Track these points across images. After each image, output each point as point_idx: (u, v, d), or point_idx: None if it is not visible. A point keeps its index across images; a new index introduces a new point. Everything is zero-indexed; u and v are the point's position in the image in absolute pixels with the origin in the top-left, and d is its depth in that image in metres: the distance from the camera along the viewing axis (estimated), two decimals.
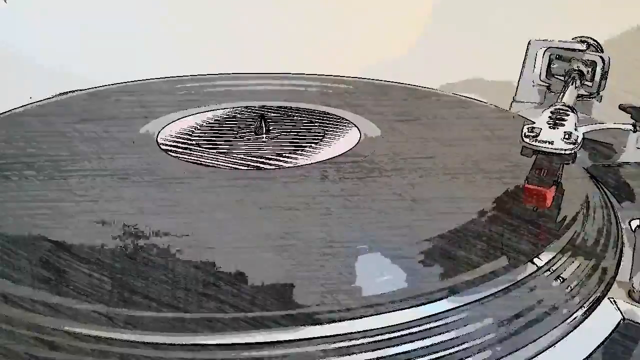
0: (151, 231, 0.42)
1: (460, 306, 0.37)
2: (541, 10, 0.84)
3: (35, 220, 0.43)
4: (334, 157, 0.52)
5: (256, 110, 0.62)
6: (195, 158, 0.52)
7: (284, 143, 0.55)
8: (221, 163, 0.51)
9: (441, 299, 0.37)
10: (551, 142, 0.45)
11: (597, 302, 0.40)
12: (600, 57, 0.65)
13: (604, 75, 0.65)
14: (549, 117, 0.48)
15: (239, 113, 0.62)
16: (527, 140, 0.46)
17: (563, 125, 0.47)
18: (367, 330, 0.35)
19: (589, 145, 0.60)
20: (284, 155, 0.53)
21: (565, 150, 0.45)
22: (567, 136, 0.45)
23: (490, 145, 0.56)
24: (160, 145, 0.54)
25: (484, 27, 0.87)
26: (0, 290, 0.37)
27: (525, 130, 0.46)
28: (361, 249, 0.41)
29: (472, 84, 0.86)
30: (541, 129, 0.46)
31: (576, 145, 0.45)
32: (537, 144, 0.45)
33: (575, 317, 0.39)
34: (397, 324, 0.35)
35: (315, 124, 0.59)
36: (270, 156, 0.52)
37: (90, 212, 0.43)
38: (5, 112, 0.62)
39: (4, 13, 0.83)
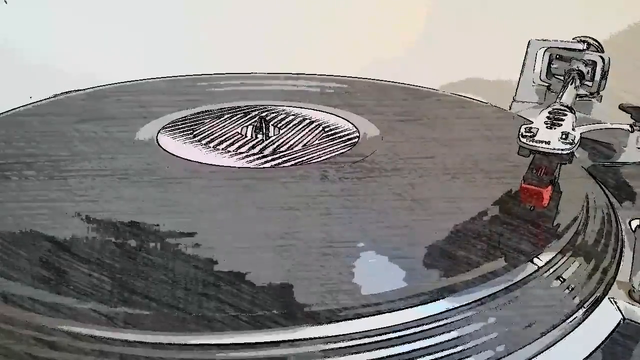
0: (151, 231, 0.42)
1: (460, 306, 0.37)
2: (541, 10, 0.84)
3: (35, 220, 0.43)
4: (334, 157, 0.52)
5: (256, 110, 0.62)
6: (196, 158, 0.52)
7: (283, 143, 0.55)
8: (221, 163, 0.51)
9: (441, 299, 0.37)
10: (548, 142, 0.45)
11: (597, 302, 0.40)
12: (600, 57, 0.65)
13: (604, 75, 0.65)
14: (547, 117, 0.48)
15: (239, 113, 0.62)
16: (524, 140, 0.45)
17: (560, 125, 0.47)
18: (367, 330, 0.35)
19: (589, 145, 0.60)
20: (283, 155, 0.53)
21: (562, 150, 0.45)
22: (564, 136, 0.45)
23: (490, 145, 0.56)
24: (160, 145, 0.54)
25: (484, 27, 0.87)
26: (0, 290, 0.37)
27: (522, 130, 0.46)
28: (361, 249, 0.41)
29: (472, 84, 0.86)
30: (538, 129, 0.46)
31: (573, 146, 0.45)
32: (533, 144, 0.45)
33: (575, 317, 0.39)
34: (397, 324, 0.35)
35: (315, 124, 0.59)
36: (270, 156, 0.52)
37: (90, 212, 0.43)
38: (5, 112, 0.62)
39: (4, 13, 0.83)
